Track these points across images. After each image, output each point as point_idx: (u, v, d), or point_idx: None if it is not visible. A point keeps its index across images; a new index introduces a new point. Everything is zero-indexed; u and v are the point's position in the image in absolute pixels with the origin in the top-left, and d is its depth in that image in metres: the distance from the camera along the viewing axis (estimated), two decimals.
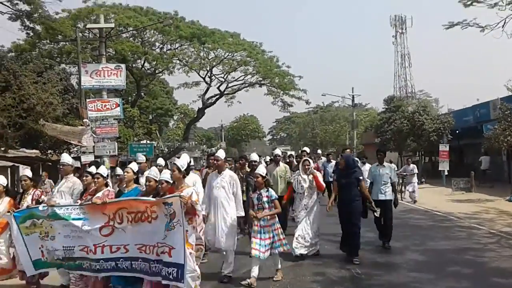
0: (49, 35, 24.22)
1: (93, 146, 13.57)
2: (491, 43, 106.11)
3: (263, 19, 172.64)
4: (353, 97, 38.58)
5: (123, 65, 13.91)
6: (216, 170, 6.76)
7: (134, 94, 35.34)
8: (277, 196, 6.46)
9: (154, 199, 5.06)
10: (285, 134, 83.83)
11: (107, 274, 5.31)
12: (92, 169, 6.42)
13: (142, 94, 37.07)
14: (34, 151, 18.46)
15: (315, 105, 60.64)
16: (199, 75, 34.10)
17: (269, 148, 67.07)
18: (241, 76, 34.76)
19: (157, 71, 34.19)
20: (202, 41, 31.35)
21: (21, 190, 6.69)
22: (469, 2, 12.65)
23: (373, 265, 7.24)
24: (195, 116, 40.06)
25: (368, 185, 8.45)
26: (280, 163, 10.35)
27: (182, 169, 5.37)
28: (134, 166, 6.17)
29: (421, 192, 17.48)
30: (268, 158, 11.56)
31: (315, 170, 7.94)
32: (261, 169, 6.47)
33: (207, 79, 34.53)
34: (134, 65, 31.40)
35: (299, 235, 7.52)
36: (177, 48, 32.43)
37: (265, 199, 6.24)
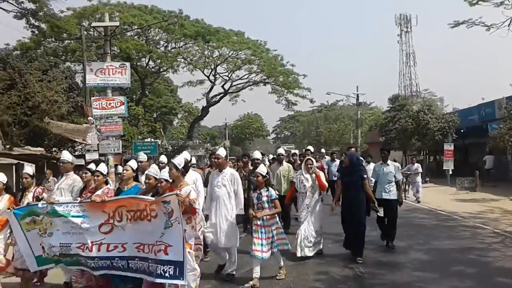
0: (54, 33, 24.36)
1: (98, 144, 13.59)
2: (497, 42, 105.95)
3: (267, 19, 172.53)
4: (357, 95, 38.47)
5: (127, 64, 13.88)
6: (217, 169, 6.71)
7: (139, 92, 35.46)
8: (277, 196, 6.40)
9: (152, 198, 5.03)
10: (289, 132, 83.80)
11: (102, 272, 5.27)
12: (92, 165, 6.40)
13: (147, 92, 37.21)
14: (39, 148, 18.58)
15: (319, 103, 60.80)
16: (203, 73, 34.20)
17: (273, 147, 66.98)
18: (245, 75, 34.86)
19: (161, 70, 34.31)
20: (207, 39, 31.39)
21: (27, 187, 6.67)
22: (474, 1, 12.61)
23: (377, 264, 7.22)
24: (199, 114, 40.18)
25: (373, 184, 8.43)
26: (284, 162, 10.35)
27: (180, 167, 5.30)
28: (133, 163, 6.10)
29: (426, 191, 17.43)
30: (271, 157, 11.55)
31: (317, 169, 7.87)
32: (262, 168, 6.42)
33: (212, 77, 34.64)
34: (138, 64, 31.52)
35: (302, 237, 7.43)
36: (181, 47, 32.52)
37: (264, 198, 6.19)
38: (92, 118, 13.31)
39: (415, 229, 10.28)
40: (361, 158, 10.00)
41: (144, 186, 5.56)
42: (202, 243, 5.72)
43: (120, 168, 8.28)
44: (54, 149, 18.81)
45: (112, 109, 13.02)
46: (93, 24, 21.98)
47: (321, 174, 7.87)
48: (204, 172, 8.99)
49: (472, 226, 10.75)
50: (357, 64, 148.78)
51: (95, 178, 5.90)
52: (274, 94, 35.89)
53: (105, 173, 6.02)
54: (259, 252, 6.02)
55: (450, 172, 21.34)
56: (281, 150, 10.98)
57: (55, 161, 19.32)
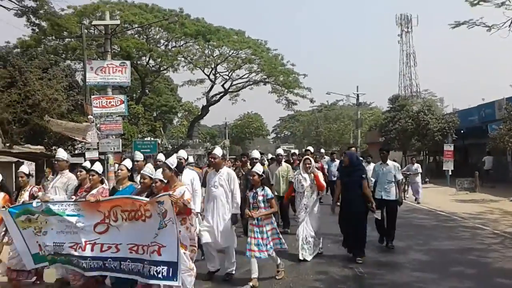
0: (54, 32, 24.34)
1: (98, 143, 13.60)
2: (498, 42, 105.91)
3: (267, 18, 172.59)
4: (357, 95, 38.46)
5: (128, 62, 13.88)
6: (214, 169, 6.60)
7: (139, 91, 35.44)
8: (273, 195, 6.35)
9: (147, 199, 4.99)
10: (289, 132, 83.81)
11: (94, 273, 5.23)
12: (87, 163, 6.34)
13: (147, 91, 37.19)
14: (38, 147, 18.54)
15: (319, 103, 60.90)
16: (203, 72, 34.21)
17: (272, 146, 67.03)
18: (245, 74, 34.88)
19: (161, 68, 34.30)
20: (207, 38, 31.40)
21: (22, 186, 6.60)
22: (475, 1, 12.60)
23: (376, 264, 7.22)
24: (199, 113, 40.20)
25: (373, 184, 8.41)
26: (283, 162, 10.31)
27: (172, 167, 5.20)
28: (128, 163, 6.03)
29: (425, 191, 17.42)
30: (270, 156, 11.51)
31: (316, 169, 7.82)
32: (258, 167, 6.35)
33: (212, 76, 34.65)
34: (139, 62, 31.51)
35: (302, 240, 7.37)
36: (182, 46, 32.51)
37: (260, 198, 6.10)
38: (92, 117, 13.31)
39: (415, 230, 10.28)
40: (361, 158, 10.01)
41: (139, 186, 5.50)
42: (197, 245, 5.66)
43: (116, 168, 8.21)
44: (54, 147, 18.76)
45: (112, 107, 13.03)
46: (94, 22, 21.98)
47: (320, 174, 7.80)
48: (203, 171, 8.90)
49: (472, 226, 10.75)
50: (357, 64, 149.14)
51: (90, 177, 5.84)
52: (274, 94, 35.93)
53: (100, 172, 5.95)
54: (255, 252, 5.97)
55: (450, 173, 21.33)
56: (280, 151, 10.93)
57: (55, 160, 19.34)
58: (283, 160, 10.60)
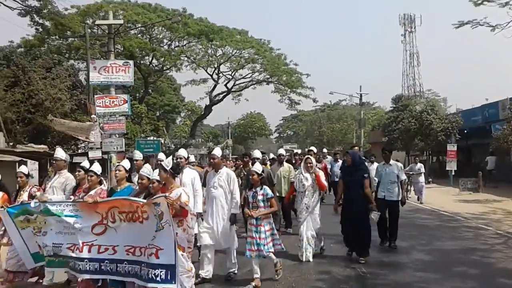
0: (58, 31, 24.47)
1: (101, 142, 13.63)
2: (502, 42, 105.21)
3: (270, 18, 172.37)
4: (360, 95, 38.43)
5: (131, 62, 13.95)
6: (214, 169, 6.52)
7: (142, 91, 35.52)
8: (273, 195, 6.30)
9: (144, 200, 4.96)
10: (292, 132, 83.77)
11: (89, 276, 5.16)
12: (85, 163, 6.29)
13: (150, 90, 37.23)
14: (42, 146, 18.60)
15: (322, 103, 60.79)
16: (206, 72, 34.26)
17: (275, 146, 66.97)
18: (248, 74, 34.90)
19: (164, 68, 34.35)
20: (210, 38, 31.42)
21: (21, 186, 6.56)
22: (479, 1, 12.57)
23: (379, 264, 7.20)
24: (202, 113, 40.25)
25: (376, 184, 8.38)
26: (284, 163, 10.28)
27: (168, 168, 5.11)
28: (126, 163, 5.91)
29: (428, 191, 17.39)
30: (271, 156, 11.47)
31: (317, 169, 7.77)
32: (257, 167, 6.31)
33: (215, 76, 34.69)
34: (142, 62, 31.57)
35: (305, 241, 7.32)
36: (185, 45, 32.56)
37: (260, 197, 6.06)
38: (95, 116, 13.35)
39: (418, 230, 10.26)
40: (364, 158, 9.98)
41: (137, 187, 5.47)
42: (192, 246, 5.60)
43: None
44: (57, 146, 18.83)
45: (115, 107, 13.08)
46: (97, 22, 21.99)
47: (321, 174, 7.74)
48: (204, 171, 8.86)
49: (475, 227, 10.73)
50: (361, 64, 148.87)
51: (89, 178, 5.76)
52: (277, 93, 35.93)
53: (99, 173, 5.87)
54: (254, 252, 5.96)
55: (453, 173, 21.29)
56: (281, 151, 10.91)
57: None
58: (285, 160, 10.58)
